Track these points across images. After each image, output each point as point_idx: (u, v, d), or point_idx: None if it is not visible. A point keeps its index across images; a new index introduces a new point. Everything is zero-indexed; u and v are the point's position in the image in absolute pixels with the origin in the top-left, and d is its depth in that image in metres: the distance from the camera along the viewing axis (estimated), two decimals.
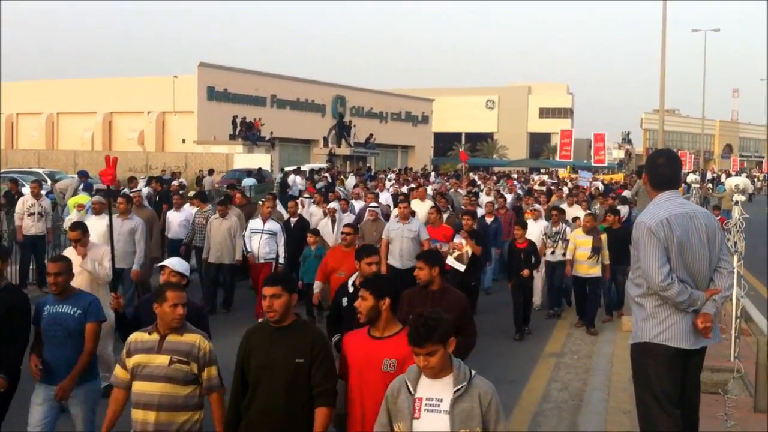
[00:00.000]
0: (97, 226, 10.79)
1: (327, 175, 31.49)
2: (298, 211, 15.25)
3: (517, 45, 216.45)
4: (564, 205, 17.03)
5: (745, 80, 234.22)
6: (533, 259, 12.01)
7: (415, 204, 16.41)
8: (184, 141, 51.87)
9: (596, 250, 11.99)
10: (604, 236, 12.20)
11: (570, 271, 12.36)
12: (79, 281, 7.37)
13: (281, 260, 12.23)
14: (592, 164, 39.14)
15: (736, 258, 8.72)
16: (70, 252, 8.11)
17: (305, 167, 37.11)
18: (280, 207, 14.92)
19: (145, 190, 19.24)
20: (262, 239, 12.18)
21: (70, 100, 56.80)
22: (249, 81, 54.78)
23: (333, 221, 13.96)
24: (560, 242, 12.90)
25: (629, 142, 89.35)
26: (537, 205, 15.87)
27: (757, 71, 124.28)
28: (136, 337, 5.07)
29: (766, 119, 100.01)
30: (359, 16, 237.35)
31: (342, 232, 9.46)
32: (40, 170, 34.70)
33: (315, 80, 62.24)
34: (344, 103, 62.98)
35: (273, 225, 12.36)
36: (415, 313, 5.46)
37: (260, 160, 42.24)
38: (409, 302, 5.94)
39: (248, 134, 46.85)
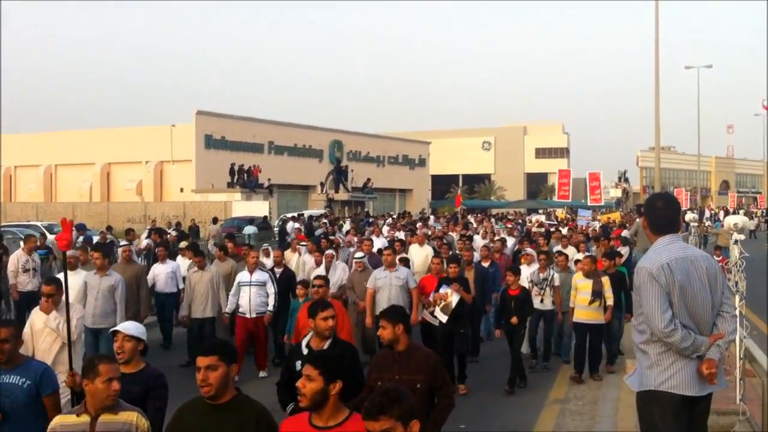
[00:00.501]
0: (71, 282, 10.59)
1: (326, 221, 31.50)
2: (293, 260, 15.02)
3: (511, 85, 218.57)
4: (558, 247, 16.90)
5: (739, 116, 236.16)
6: (525, 307, 11.40)
7: (414, 249, 16.44)
8: (182, 190, 52.03)
9: (597, 294, 11.44)
10: (605, 279, 11.66)
11: (570, 320, 11.95)
12: (43, 342, 7.12)
13: (270, 308, 11.81)
14: (589, 204, 38.89)
15: (737, 298, 8.69)
16: (35, 310, 7.72)
17: (306, 213, 37.21)
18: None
19: (145, 242, 19.24)
20: (252, 292, 11.71)
21: (68, 152, 57.09)
22: (246, 128, 55.11)
23: (328, 270, 13.24)
24: (548, 289, 12.45)
25: (626, 180, 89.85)
26: (529, 250, 15.35)
27: (751, 107, 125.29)
28: (62, 420, 4.46)
29: (763, 155, 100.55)
30: (355, 61, 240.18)
31: (312, 285, 8.81)
32: (38, 223, 34.72)
33: (312, 126, 62.63)
34: (341, 147, 63.32)
35: (261, 275, 11.91)
36: (384, 380, 5.27)
37: (258, 207, 42.33)
38: (377, 367, 5.70)
39: (246, 181, 47.01)
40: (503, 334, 11.43)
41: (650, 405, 4.86)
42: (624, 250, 16.86)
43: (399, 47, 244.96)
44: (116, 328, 5.48)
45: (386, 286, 11.38)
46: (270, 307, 11.80)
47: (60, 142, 57.80)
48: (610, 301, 11.56)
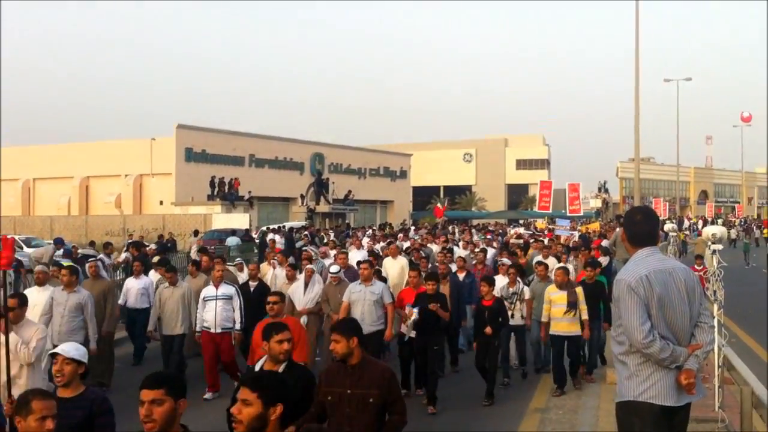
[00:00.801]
0: (37, 298, 10.37)
1: (307, 233, 31.46)
2: (269, 274, 14.81)
3: (492, 97, 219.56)
4: (539, 257, 16.80)
5: (718, 127, 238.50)
6: (500, 318, 11.30)
7: (388, 262, 16.11)
8: (161, 203, 51.82)
9: (572, 305, 11.34)
10: (579, 289, 11.56)
11: (545, 335, 11.78)
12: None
13: (238, 327, 11.41)
14: (568, 214, 38.92)
15: (716, 306, 8.77)
16: None
17: (287, 225, 37.08)
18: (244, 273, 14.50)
19: (124, 256, 19.13)
20: (217, 306, 11.28)
21: (46, 166, 56.75)
22: (227, 141, 55.04)
23: (307, 284, 12.81)
24: (518, 303, 12.32)
25: (606, 191, 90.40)
26: (505, 260, 15.05)
27: (729, 118, 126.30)
28: None
29: (741, 165, 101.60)
30: (336, 74, 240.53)
31: (267, 301, 8.26)
32: (16, 236, 34.43)
33: (293, 138, 62.65)
34: (322, 160, 63.34)
35: (227, 289, 11.50)
36: (335, 394, 5.25)
37: (239, 219, 42.22)
38: (327, 381, 5.53)
39: (226, 194, 46.91)
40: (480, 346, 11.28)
41: (630, 415, 4.89)
42: (604, 260, 16.95)
43: (381, 61, 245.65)
44: (55, 351, 5.21)
45: (360, 301, 11.13)
46: (237, 325, 11.42)
47: (38, 156, 57.48)
48: (585, 314, 11.43)
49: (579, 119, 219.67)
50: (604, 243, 23.29)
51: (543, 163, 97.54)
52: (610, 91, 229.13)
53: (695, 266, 15.30)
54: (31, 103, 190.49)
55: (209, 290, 11.53)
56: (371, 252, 18.13)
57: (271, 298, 8.35)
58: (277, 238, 28.23)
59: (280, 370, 5.71)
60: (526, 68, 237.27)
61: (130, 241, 25.01)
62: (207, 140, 53.53)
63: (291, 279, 13.20)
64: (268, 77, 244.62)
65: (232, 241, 29.98)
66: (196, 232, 34.44)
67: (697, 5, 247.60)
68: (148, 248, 20.86)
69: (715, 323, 8.05)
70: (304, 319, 12.31)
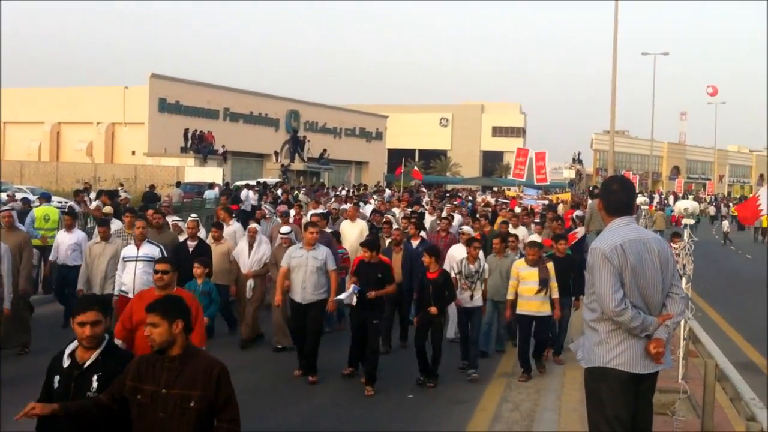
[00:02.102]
0: None
1: (281, 190, 31.21)
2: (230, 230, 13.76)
3: (470, 64, 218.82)
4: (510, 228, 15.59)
5: (693, 104, 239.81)
6: (447, 292, 10.08)
7: (345, 226, 15.19)
8: (134, 153, 51.19)
9: (544, 282, 10.36)
10: (550, 265, 10.60)
11: (510, 314, 10.71)
12: None
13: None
14: (535, 183, 38.20)
15: (684, 280, 8.86)
16: None
17: (262, 181, 36.71)
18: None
19: (95, 204, 18.88)
20: (137, 269, 9.90)
21: (18, 110, 55.63)
22: (201, 93, 54.32)
23: (251, 246, 12.10)
24: (478, 283, 10.60)
25: (580, 162, 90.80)
26: (466, 228, 14.27)
27: (704, 95, 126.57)
28: None
29: (714, 142, 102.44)
30: (313, 31, 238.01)
31: (155, 270, 7.09)
32: None
33: (269, 94, 61.97)
34: (298, 117, 62.81)
35: (150, 249, 10.08)
36: (145, 393, 4.36)
37: (212, 173, 41.85)
38: (136, 376, 4.41)
39: (200, 147, 46.47)
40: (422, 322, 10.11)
41: (598, 381, 4.95)
42: (580, 231, 16.93)
43: (360, 21, 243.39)
44: None
45: (301, 266, 10.09)
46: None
47: (8, 100, 56.26)
48: (555, 293, 10.53)
49: (556, 90, 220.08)
50: (578, 213, 23.30)
51: (519, 131, 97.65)
52: (588, 62, 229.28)
53: (672, 245, 15.05)
54: (5, 47, 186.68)
55: (130, 250, 10.20)
56: (328, 213, 17.10)
57: (158, 266, 7.06)
58: (251, 194, 27.99)
59: (92, 358, 4.61)
60: (504, 37, 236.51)
61: (101, 189, 24.73)
62: (181, 91, 52.77)
63: (250, 237, 12.27)
64: (245, 31, 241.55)
65: (210, 194, 29.63)
66: (178, 184, 33.72)
67: None
68: (121, 198, 20.56)
69: (686, 297, 8.13)
70: (250, 283, 11.95)
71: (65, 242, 12.77)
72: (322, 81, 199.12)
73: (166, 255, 9.62)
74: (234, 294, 12.57)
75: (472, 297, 10.55)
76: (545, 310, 10.46)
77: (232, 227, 14.12)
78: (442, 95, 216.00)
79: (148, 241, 10.26)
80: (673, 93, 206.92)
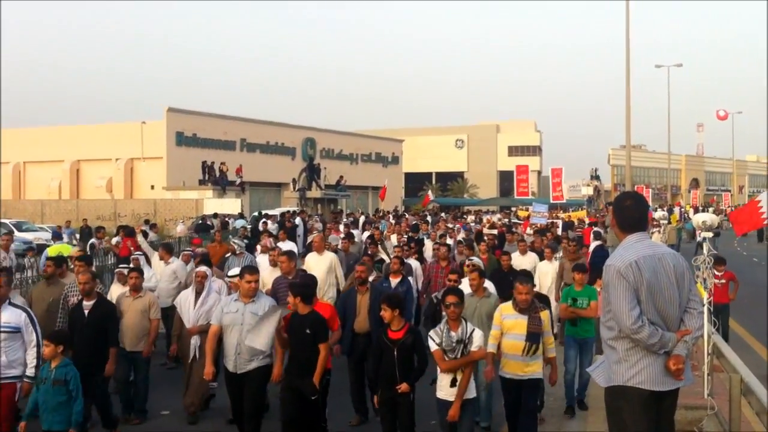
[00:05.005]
0: None
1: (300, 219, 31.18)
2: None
3: (484, 83, 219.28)
4: (516, 254, 14.40)
5: (709, 115, 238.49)
6: (416, 363, 7.35)
7: (311, 260, 12.74)
8: (153, 187, 51.59)
9: (534, 337, 7.72)
10: (545, 314, 7.93)
11: (491, 373, 7.91)
12: None
13: (29, 373, 7.46)
14: (551, 201, 37.21)
15: (706, 294, 8.78)
16: None
17: (274, 211, 36.71)
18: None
19: (114, 240, 19.01)
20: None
21: (37, 149, 56.33)
22: (218, 125, 54.76)
23: (199, 294, 9.67)
24: (460, 350, 7.09)
25: (597, 178, 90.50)
26: (476, 259, 11.25)
27: (720, 106, 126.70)
28: None
29: (732, 153, 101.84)
30: (328, 59, 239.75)
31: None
32: (6, 221, 34.26)
33: (284, 123, 62.38)
34: (314, 145, 63.13)
35: (13, 315, 7.54)
36: None
37: (231, 205, 42.06)
38: None
39: (218, 179, 46.77)
40: (387, 405, 7.43)
41: (618, 400, 4.91)
42: (595, 245, 16.83)
43: (372, 45, 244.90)
44: None
45: (235, 325, 7.83)
46: (29, 370, 7.46)
47: (29, 139, 57.05)
48: (551, 351, 7.97)
49: (571, 106, 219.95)
50: (596, 229, 23.10)
51: (535, 150, 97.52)
52: (602, 78, 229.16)
53: (715, 272, 12.96)
54: (22, 86, 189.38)
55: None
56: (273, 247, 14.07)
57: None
58: (270, 224, 28.05)
59: None
60: (518, 55, 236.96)
61: (120, 225, 24.93)
62: (198, 124, 53.24)
63: (197, 282, 9.91)
64: (260, 61, 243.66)
65: (240, 223, 29.72)
66: (215, 215, 33.79)
67: None
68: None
69: (705, 311, 8.06)
70: (195, 341, 9.44)
71: None
72: (337, 106, 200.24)
73: (25, 324, 7.53)
74: (173, 353, 10.49)
75: (453, 383, 7.11)
76: (533, 371, 7.83)
77: (171, 266, 12.73)
78: (458, 116, 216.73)
79: (10, 304, 7.70)
80: (689, 105, 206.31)
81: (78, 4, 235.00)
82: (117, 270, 11.34)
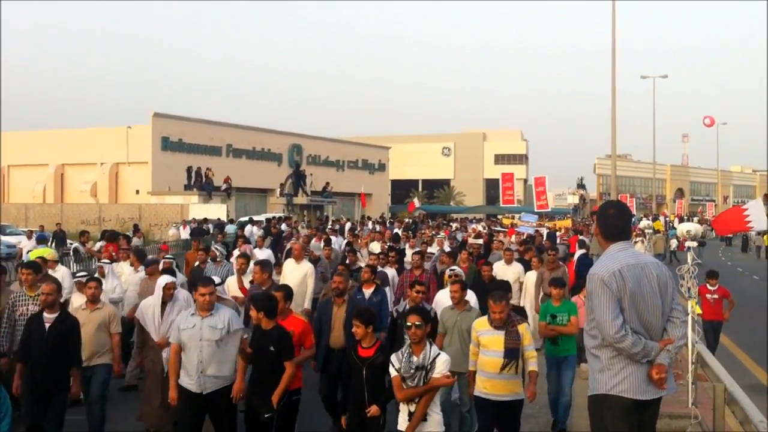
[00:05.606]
0: None
1: (287, 225, 31.09)
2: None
3: (471, 92, 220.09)
4: (501, 263, 14.18)
5: (694, 125, 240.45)
6: (386, 382, 6.57)
7: (287, 267, 12.30)
8: (138, 192, 51.38)
9: (511, 353, 7.25)
10: (523, 327, 7.41)
11: (472, 389, 7.56)
12: None
13: None
14: (535, 210, 36.86)
15: (689, 304, 8.80)
16: None
17: (259, 217, 36.62)
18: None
19: (98, 245, 18.90)
20: None
21: (21, 153, 56.01)
22: (204, 130, 54.62)
23: (164, 303, 8.83)
24: (421, 377, 6.24)
25: (583, 187, 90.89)
26: (458, 269, 10.39)
27: (706, 115, 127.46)
28: None
29: (716, 163, 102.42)
30: (314, 64, 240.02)
31: None
32: None
33: (271, 129, 62.30)
34: (300, 151, 63.09)
35: None
36: None
37: (216, 210, 41.95)
38: None
39: (203, 184, 46.64)
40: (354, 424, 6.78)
41: (601, 409, 4.91)
42: (580, 253, 16.87)
43: (359, 50, 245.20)
44: None
45: (194, 340, 7.25)
46: None
47: (13, 143, 56.69)
48: (532, 364, 7.41)
49: (557, 115, 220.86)
50: (582, 238, 23.15)
51: (521, 158, 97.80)
52: (589, 88, 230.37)
53: (708, 286, 13.96)
54: (6, 89, 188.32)
55: None
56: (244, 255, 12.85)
57: None
58: (255, 229, 27.92)
59: None
60: (505, 64, 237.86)
61: (105, 230, 24.78)
62: (184, 129, 53.07)
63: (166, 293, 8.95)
64: (246, 66, 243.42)
65: (231, 228, 29.87)
66: (205, 220, 33.76)
67: (674, 4, 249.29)
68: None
69: (689, 320, 8.08)
70: (167, 353, 8.08)
71: None
72: (324, 113, 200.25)
73: None
74: (140, 364, 10.02)
75: (410, 415, 6.28)
76: (513, 392, 7.34)
77: (140, 274, 11.84)
78: (444, 124, 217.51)
79: None
80: (674, 115, 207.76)
81: (63, 7, 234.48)
82: (75, 279, 10.59)
